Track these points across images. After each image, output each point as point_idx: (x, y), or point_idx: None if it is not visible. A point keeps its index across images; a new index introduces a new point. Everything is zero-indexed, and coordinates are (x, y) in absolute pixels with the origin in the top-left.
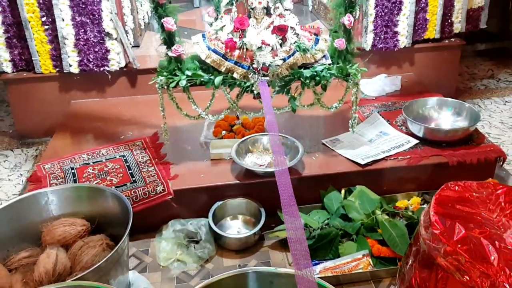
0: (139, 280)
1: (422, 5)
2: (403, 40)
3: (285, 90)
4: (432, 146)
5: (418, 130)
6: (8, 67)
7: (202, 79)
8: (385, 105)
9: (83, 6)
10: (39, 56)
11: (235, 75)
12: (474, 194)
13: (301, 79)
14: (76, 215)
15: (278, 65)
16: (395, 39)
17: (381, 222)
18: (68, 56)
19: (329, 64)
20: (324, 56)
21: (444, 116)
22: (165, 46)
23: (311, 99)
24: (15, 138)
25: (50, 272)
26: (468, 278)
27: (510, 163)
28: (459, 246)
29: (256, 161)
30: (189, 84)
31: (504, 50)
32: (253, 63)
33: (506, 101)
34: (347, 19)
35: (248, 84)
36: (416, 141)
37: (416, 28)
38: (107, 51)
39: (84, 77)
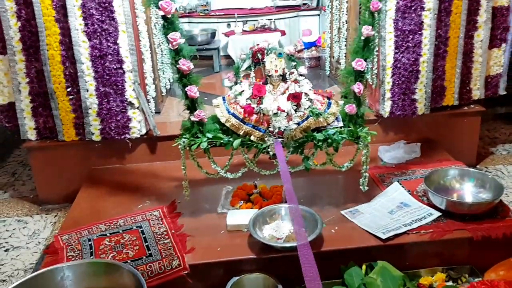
0: None
1: (439, 73)
2: (421, 107)
3: (299, 151)
4: (455, 219)
5: (440, 203)
6: (32, 135)
7: (221, 141)
8: (405, 173)
9: (107, 78)
10: (62, 124)
11: (252, 137)
12: None
13: (314, 141)
14: None
15: (292, 129)
16: (413, 106)
17: None
18: (91, 125)
19: (341, 127)
20: (336, 118)
21: (467, 187)
22: (188, 111)
23: (324, 158)
24: (36, 204)
25: None
26: None
27: None
28: None
29: (274, 234)
30: (209, 146)
31: None
32: (269, 127)
33: None
34: (356, 87)
35: (264, 145)
36: (439, 214)
37: (434, 95)
38: (129, 119)
39: (105, 144)
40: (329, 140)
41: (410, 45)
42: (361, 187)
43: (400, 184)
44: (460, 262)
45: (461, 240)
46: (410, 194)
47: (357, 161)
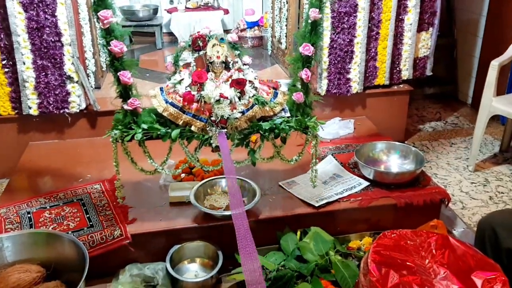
0: None
1: (372, 54)
2: (355, 86)
3: (244, 143)
4: (382, 188)
5: (369, 173)
6: None
7: (158, 133)
8: (339, 148)
9: (45, 51)
10: None
11: (193, 128)
12: (408, 242)
13: (260, 131)
14: (32, 261)
15: (236, 118)
16: (348, 85)
17: (334, 263)
18: (28, 99)
19: (288, 117)
20: (283, 109)
21: (393, 159)
22: (121, 99)
23: (271, 152)
24: None
25: None
26: None
27: (456, 203)
28: None
29: (214, 204)
30: (145, 138)
31: (451, 94)
32: (211, 116)
33: (452, 143)
34: (304, 74)
35: (206, 137)
36: (367, 183)
37: (367, 75)
38: (68, 93)
39: (43, 118)
40: (276, 130)
41: (346, 26)
42: (311, 183)
43: (334, 157)
44: (385, 227)
45: (387, 206)
46: (342, 166)
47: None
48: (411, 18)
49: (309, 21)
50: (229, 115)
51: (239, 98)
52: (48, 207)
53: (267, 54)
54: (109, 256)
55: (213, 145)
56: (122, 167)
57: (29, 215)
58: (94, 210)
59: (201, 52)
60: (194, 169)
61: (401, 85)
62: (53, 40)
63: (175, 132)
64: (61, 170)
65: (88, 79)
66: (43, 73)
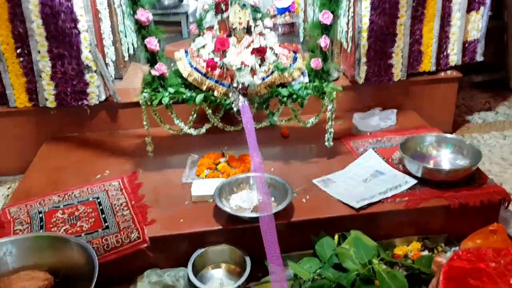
0: None
1: (417, 37)
2: (397, 73)
3: (264, 106)
4: (432, 187)
5: (417, 170)
6: None
7: (184, 97)
8: (380, 141)
9: (61, 38)
10: (13, 89)
11: (215, 93)
12: (490, 264)
13: (279, 97)
14: (38, 267)
15: (257, 85)
16: (389, 72)
17: (378, 272)
18: (44, 90)
19: (306, 83)
20: (302, 73)
21: (444, 154)
22: (149, 65)
23: (290, 114)
24: None
25: None
26: None
27: None
28: None
29: (241, 204)
30: (171, 102)
31: (501, 82)
32: (233, 82)
33: (505, 136)
34: (323, 41)
35: (228, 101)
36: (415, 181)
37: (411, 60)
38: (86, 84)
39: (61, 111)
40: (294, 96)
41: (387, 6)
42: (326, 143)
43: (375, 151)
44: (435, 231)
45: (437, 208)
46: (385, 161)
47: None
48: None
49: None
50: (250, 82)
51: (260, 65)
52: (61, 207)
53: (299, 42)
54: (125, 261)
55: (234, 109)
56: (142, 164)
57: (40, 215)
58: (110, 209)
59: (224, 15)
60: (219, 165)
61: (449, 72)
62: (68, 26)
63: (199, 97)
64: (78, 166)
65: (108, 69)
66: (59, 62)
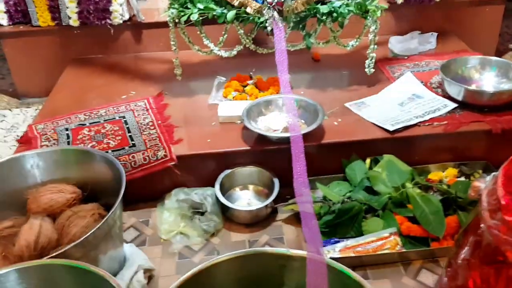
0: (135, 255)
1: None
2: None
3: (300, 26)
4: (473, 111)
5: (458, 93)
6: (3, 19)
7: (214, 13)
8: (418, 65)
9: None
10: (35, 7)
11: (248, 9)
12: None
13: (317, 15)
14: (66, 181)
15: (293, 0)
16: None
17: (412, 196)
18: (67, 7)
19: (347, 0)
20: None
21: (487, 77)
22: None
23: (327, 37)
24: (15, 97)
25: (32, 245)
26: None
27: None
28: None
29: (270, 126)
30: (200, 18)
31: None
32: None
33: None
34: None
35: (262, 19)
36: (455, 105)
37: None
38: (109, 2)
39: (85, 30)
40: (334, 14)
41: None
42: (366, 69)
43: (413, 75)
44: (474, 157)
45: (478, 133)
46: (423, 85)
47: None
48: None
49: None
50: None
51: None
52: (87, 124)
53: None
54: (153, 180)
55: (268, 28)
56: (168, 86)
57: (67, 132)
58: (137, 128)
59: None
60: (247, 88)
61: None
62: None
63: (230, 13)
64: (103, 87)
65: None
66: None
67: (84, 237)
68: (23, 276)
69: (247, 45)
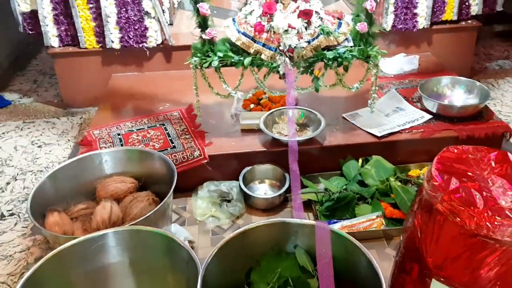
0: (180, 231)
1: None
2: (422, 22)
3: (309, 70)
4: (445, 121)
5: (432, 106)
6: (55, 42)
7: (232, 60)
8: (402, 83)
9: None
10: (84, 32)
11: (263, 56)
12: (470, 156)
13: (324, 60)
14: (126, 174)
15: (303, 47)
16: (414, 20)
17: (394, 188)
18: (111, 33)
19: (351, 47)
20: (346, 39)
21: (457, 93)
22: (200, 29)
23: (334, 80)
24: (61, 107)
25: (106, 221)
26: (459, 220)
27: None
28: (453, 194)
29: (281, 131)
30: (220, 65)
31: None
32: (280, 45)
33: None
34: (369, 4)
35: (275, 65)
36: (430, 116)
37: (435, 9)
38: (146, 28)
39: (124, 52)
40: (340, 59)
41: None
42: (368, 108)
43: (397, 91)
44: None
45: (448, 138)
46: (406, 100)
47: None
48: None
49: None
50: (296, 45)
51: (306, 28)
52: (135, 130)
53: None
54: (190, 174)
55: (281, 72)
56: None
57: (119, 136)
58: (175, 133)
59: None
60: (262, 101)
61: (469, 21)
62: None
63: (247, 60)
64: (142, 99)
65: (164, 15)
66: (124, 9)
67: (148, 214)
68: (117, 238)
69: (261, 88)
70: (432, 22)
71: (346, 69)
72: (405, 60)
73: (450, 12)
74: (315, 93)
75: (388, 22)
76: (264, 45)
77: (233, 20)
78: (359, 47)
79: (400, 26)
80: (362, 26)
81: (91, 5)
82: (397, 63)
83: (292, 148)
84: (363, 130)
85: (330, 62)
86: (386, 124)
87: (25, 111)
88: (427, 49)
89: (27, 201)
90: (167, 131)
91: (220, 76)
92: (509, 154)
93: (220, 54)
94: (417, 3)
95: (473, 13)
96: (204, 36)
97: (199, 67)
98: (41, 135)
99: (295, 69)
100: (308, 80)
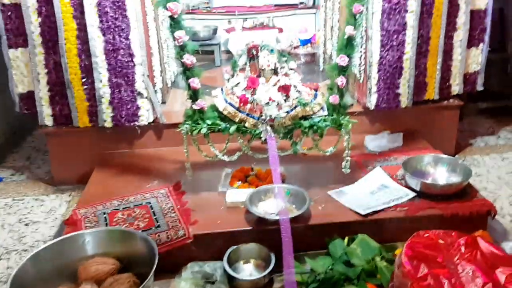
0: None
1: (421, 69)
2: (404, 101)
3: (288, 136)
4: (428, 199)
5: (416, 184)
6: (49, 121)
7: (219, 127)
8: (387, 160)
9: (119, 70)
10: (77, 112)
11: (247, 124)
12: (440, 241)
13: (301, 128)
14: (108, 254)
15: (282, 117)
16: (397, 100)
17: (380, 268)
18: (103, 113)
19: (325, 116)
20: (321, 108)
21: (440, 171)
22: (191, 101)
23: (311, 144)
24: (51, 184)
25: None
26: None
27: (505, 217)
28: (422, 282)
29: (267, 210)
30: (209, 131)
31: (505, 109)
32: (262, 115)
33: (504, 158)
34: (340, 80)
35: (257, 131)
36: (414, 194)
37: (417, 90)
38: (138, 108)
39: (115, 130)
40: (315, 127)
41: (395, 43)
42: (343, 169)
43: (382, 169)
44: None
45: (433, 217)
46: (390, 177)
47: (341, 147)
48: (460, 35)
49: (345, 36)
50: (276, 115)
51: (285, 100)
52: (121, 209)
53: (319, 70)
54: (173, 254)
55: (263, 138)
56: (184, 176)
57: (104, 215)
58: (160, 212)
59: (255, 59)
60: (249, 178)
61: (451, 100)
62: (126, 60)
63: (233, 128)
64: (130, 177)
65: (156, 95)
66: (117, 90)
67: None
68: None
69: (245, 152)
70: (414, 101)
71: (321, 135)
72: (389, 137)
73: (432, 92)
74: (301, 170)
75: (371, 101)
76: (248, 114)
77: (221, 89)
78: (332, 117)
79: (384, 105)
80: (335, 99)
81: (86, 86)
82: (382, 140)
83: (284, 227)
84: (349, 208)
85: (306, 130)
86: (371, 202)
87: (15, 188)
88: (411, 127)
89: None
90: (152, 210)
91: (209, 141)
92: (478, 239)
93: (209, 122)
94: (399, 83)
95: (454, 93)
96: (194, 107)
97: (189, 133)
98: (29, 213)
99: (276, 136)
100: (288, 143)
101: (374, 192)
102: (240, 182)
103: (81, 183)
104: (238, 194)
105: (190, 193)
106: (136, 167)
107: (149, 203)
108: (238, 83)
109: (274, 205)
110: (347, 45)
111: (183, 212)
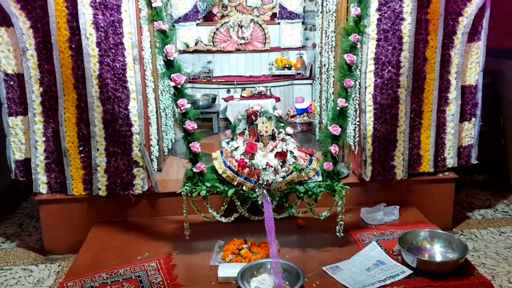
0: None
1: (415, 142)
2: (399, 173)
3: (284, 200)
4: (425, 277)
5: (412, 261)
6: (44, 189)
7: (218, 190)
8: (383, 234)
9: (117, 139)
10: (72, 180)
11: (244, 188)
12: None
13: (297, 193)
14: None
15: (278, 182)
16: (392, 172)
17: None
18: (98, 181)
19: (320, 181)
20: (316, 173)
21: (436, 247)
22: (191, 164)
23: (306, 208)
24: (41, 254)
25: None
26: None
27: None
28: None
29: (260, 286)
30: (208, 194)
31: (501, 181)
32: (259, 179)
33: (501, 232)
34: (333, 148)
35: (255, 195)
36: (410, 272)
37: (411, 162)
38: (133, 177)
39: (109, 199)
40: (310, 192)
41: (388, 117)
42: (337, 233)
43: (378, 243)
44: None
45: None
46: (386, 253)
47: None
48: (452, 109)
49: (337, 108)
50: (273, 180)
51: (281, 166)
52: (109, 283)
53: (315, 139)
54: None
55: (259, 202)
56: (176, 248)
57: None
58: (150, 287)
59: (254, 124)
60: (242, 251)
61: (447, 173)
62: (124, 130)
63: (231, 191)
64: (122, 247)
65: (152, 163)
66: (113, 159)
67: None
68: None
69: (242, 213)
70: (409, 174)
71: (315, 200)
72: (385, 210)
73: (427, 165)
74: (296, 243)
75: (367, 173)
76: (246, 178)
77: (221, 152)
78: (326, 183)
79: (379, 177)
80: (328, 166)
81: (82, 155)
82: (378, 213)
83: None
84: (344, 285)
85: (301, 195)
86: (367, 280)
87: (5, 257)
88: (407, 199)
89: None
90: (142, 284)
91: (207, 203)
92: None
93: (208, 184)
94: (393, 156)
95: (449, 166)
96: (194, 170)
97: (189, 194)
98: (16, 283)
99: (272, 200)
100: (284, 207)
101: (370, 268)
102: (232, 255)
103: (72, 252)
104: (230, 269)
105: (182, 266)
106: (128, 237)
107: (139, 276)
108: (238, 147)
109: (267, 281)
110: (340, 115)
111: (173, 287)
